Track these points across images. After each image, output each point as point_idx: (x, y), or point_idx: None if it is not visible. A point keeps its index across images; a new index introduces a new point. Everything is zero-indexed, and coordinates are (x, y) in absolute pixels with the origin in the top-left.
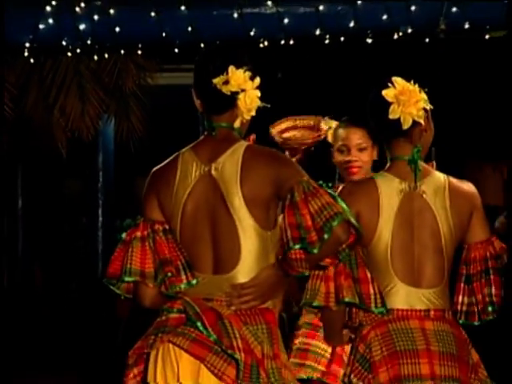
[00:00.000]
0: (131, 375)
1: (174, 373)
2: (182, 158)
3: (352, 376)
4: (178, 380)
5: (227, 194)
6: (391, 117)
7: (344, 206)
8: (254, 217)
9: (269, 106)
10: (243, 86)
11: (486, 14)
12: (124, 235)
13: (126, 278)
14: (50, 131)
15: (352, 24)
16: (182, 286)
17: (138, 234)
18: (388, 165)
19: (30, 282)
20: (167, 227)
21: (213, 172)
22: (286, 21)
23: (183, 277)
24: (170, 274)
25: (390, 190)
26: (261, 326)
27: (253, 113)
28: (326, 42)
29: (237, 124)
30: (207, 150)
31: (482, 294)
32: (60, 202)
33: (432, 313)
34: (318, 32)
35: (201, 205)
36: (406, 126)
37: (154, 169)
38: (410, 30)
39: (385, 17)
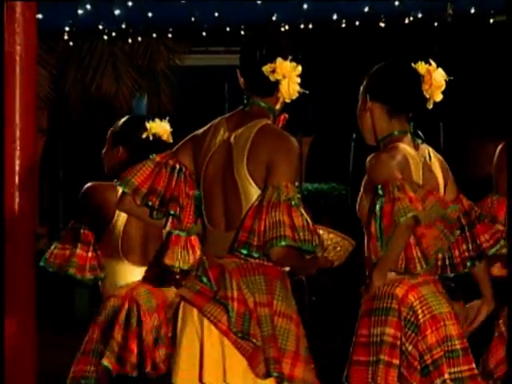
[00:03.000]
0: (170, 328)
1: (191, 324)
2: (215, 124)
3: (404, 340)
4: (196, 329)
5: (235, 162)
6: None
7: (300, 222)
8: (256, 183)
9: (307, 92)
10: (287, 75)
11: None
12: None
13: (122, 188)
14: (87, 109)
15: (366, 9)
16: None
17: (157, 159)
18: (398, 136)
19: None
20: (178, 166)
21: (231, 140)
22: (305, 6)
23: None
24: (150, 203)
25: (415, 159)
26: (258, 277)
27: (293, 97)
28: (343, 26)
29: (278, 106)
30: (236, 120)
31: (460, 250)
32: (96, 172)
33: (436, 277)
34: (335, 17)
35: (218, 168)
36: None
37: (197, 131)
38: (420, 15)
39: (397, 3)
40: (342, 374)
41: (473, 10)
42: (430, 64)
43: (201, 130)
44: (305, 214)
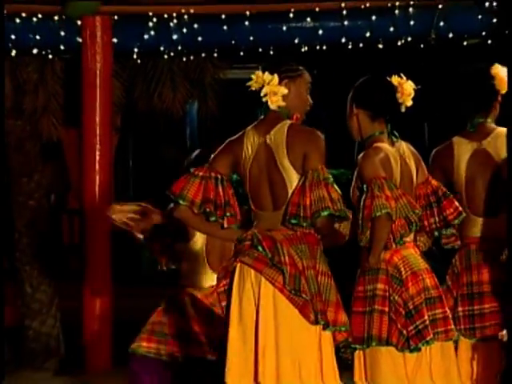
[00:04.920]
0: (221, 285)
1: (249, 283)
2: (246, 134)
3: (391, 291)
4: (252, 287)
5: (278, 158)
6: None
7: (336, 196)
8: (296, 170)
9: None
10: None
11: (464, 26)
12: (192, 169)
13: (181, 202)
14: (151, 112)
15: (368, 34)
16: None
17: (200, 173)
18: (378, 137)
19: None
20: (219, 177)
21: (268, 141)
22: (320, 32)
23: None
24: (207, 209)
25: (394, 155)
26: (304, 246)
27: (276, 101)
28: (349, 47)
29: (273, 107)
30: (263, 127)
31: (428, 222)
32: (159, 162)
33: (415, 243)
34: (343, 40)
35: (261, 165)
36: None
37: (230, 138)
38: (409, 39)
39: (392, 29)
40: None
41: (451, 35)
42: (402, 77)
43: (233, 140)
44: (338, 189)
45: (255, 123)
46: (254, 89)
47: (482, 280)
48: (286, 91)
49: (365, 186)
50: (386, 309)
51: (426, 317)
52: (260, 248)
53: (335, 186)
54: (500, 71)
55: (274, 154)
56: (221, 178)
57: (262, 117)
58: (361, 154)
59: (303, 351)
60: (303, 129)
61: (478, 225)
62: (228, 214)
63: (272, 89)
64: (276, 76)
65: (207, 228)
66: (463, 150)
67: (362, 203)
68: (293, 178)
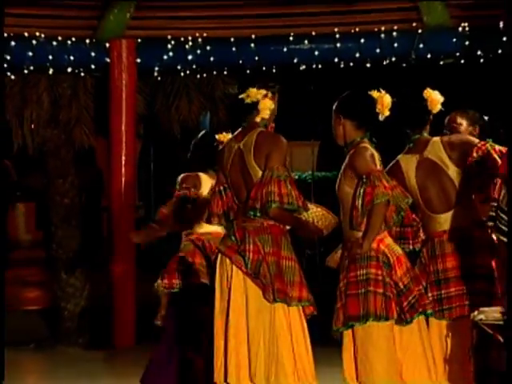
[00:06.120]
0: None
1: (225, 266)
2: (228, 143)
3: (384, 274)
4: (227, 272)
5: (247, 159)
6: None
7: (285, 191)
8: (260, 169)
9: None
10: (258, 98)
11: (441, 48)
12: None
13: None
14: (170, 122)
15: (357, 55)
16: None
17: (216, 188)
18: (361, 141)
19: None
20: (222, 188)
21: (241, 147)
22: (316, 53)
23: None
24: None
25: (376, 154)
26: (268, 236)
27: (267, 113)
28: (341, 66)
29: (258, 119)
30: (240, 135)
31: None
32: (176, 166)
33: (390, 233)
34: (336, 60)
35: (236, 166)
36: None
37: (218, 150)
38: (393, 59)
39: (378, 50)
40: (328, 306)
41: (429, 56)
42: (380, 91)
43: (219, 151)
44: (289, 186)
45: (236, 133)
46: (246, 102)
47: (446, 267)
48: (273, 106)
49: (364, 177)
50: (381, 290)
51: (415, 292)
52: (233, 237)
53: (288, 182)
54: (432, 94)
55: (244, 156)
56: (224, 188)
57: (244, 126)
58: (351, 152)
59: (273, 328)
60: (269, 134)
61: (437, 221)
62: (241, 205)
63: (267, 104)
64: (270, 93)
65: None
66: (409, 163)
67: (362, 192)
68: (258, 176)
